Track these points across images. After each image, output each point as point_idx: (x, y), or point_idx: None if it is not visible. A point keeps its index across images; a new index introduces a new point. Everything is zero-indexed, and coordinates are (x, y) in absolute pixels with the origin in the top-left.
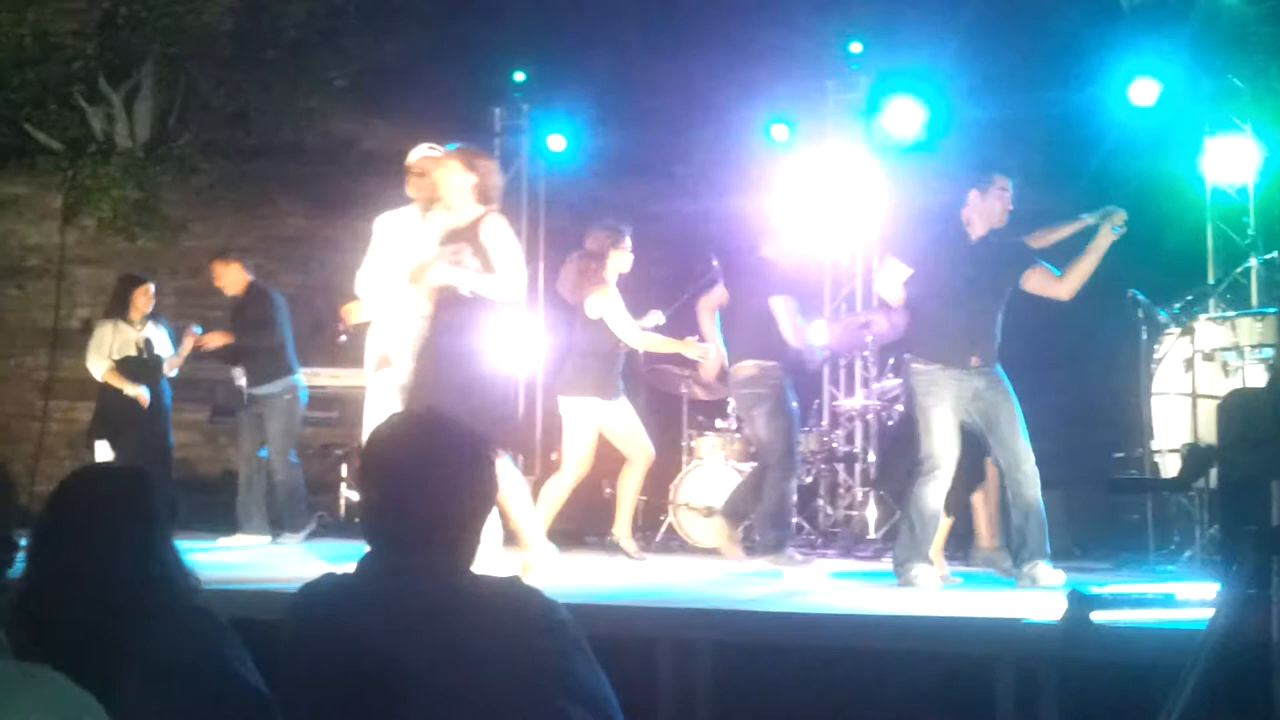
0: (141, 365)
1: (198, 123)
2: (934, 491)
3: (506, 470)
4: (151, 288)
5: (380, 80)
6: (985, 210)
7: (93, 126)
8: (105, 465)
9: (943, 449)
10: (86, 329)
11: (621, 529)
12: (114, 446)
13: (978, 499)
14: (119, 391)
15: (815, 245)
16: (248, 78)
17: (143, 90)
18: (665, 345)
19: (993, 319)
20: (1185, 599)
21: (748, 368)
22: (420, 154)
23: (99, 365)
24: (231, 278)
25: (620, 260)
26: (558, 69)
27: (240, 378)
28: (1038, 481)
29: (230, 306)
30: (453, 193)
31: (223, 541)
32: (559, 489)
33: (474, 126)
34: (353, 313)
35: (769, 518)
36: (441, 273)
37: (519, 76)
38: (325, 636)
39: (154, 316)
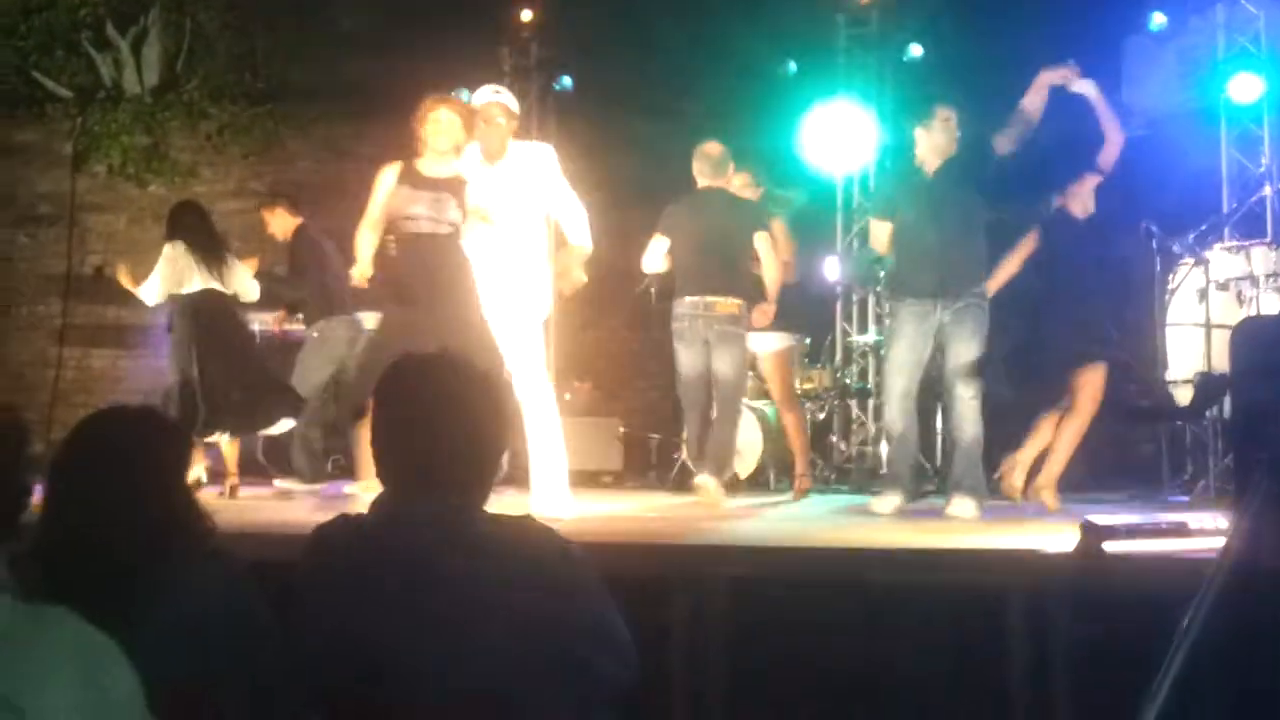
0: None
1: (205, 67)
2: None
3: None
4: None
5: (387, 22)
6: (933, 145)
7: (101, 73)
8: (121, 407)
9: (890, 380)
10: (99, 275)
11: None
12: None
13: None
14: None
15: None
16: (255, 21)
17: (150, 35)
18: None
19: (961, 250)
20: (1198, 528)
21: (730, 305)
22: (486, 98)
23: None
24: (279, 223)
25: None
26: (565, 7)
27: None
28: (970, 424)
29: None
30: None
31: (277, 484)
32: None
33: (482, 67)
34: None
35: (723, 455)
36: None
37: (526, 16)
38: (340, 578)
39: None
